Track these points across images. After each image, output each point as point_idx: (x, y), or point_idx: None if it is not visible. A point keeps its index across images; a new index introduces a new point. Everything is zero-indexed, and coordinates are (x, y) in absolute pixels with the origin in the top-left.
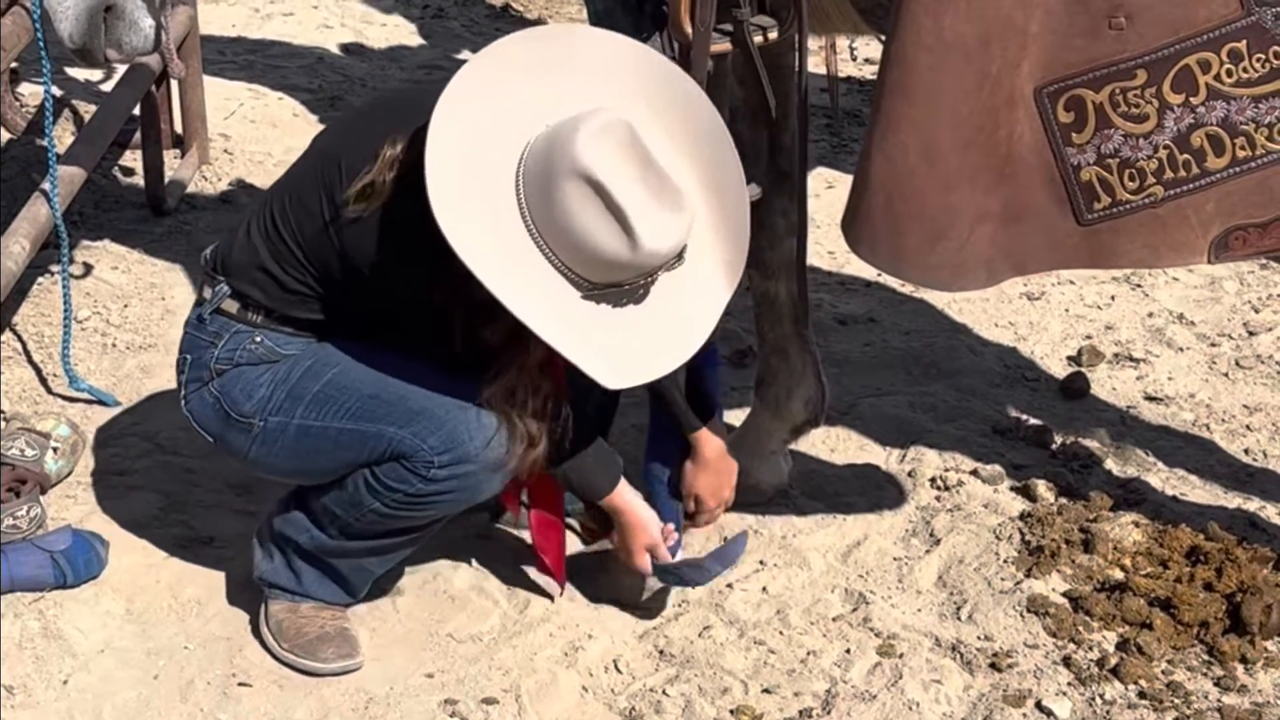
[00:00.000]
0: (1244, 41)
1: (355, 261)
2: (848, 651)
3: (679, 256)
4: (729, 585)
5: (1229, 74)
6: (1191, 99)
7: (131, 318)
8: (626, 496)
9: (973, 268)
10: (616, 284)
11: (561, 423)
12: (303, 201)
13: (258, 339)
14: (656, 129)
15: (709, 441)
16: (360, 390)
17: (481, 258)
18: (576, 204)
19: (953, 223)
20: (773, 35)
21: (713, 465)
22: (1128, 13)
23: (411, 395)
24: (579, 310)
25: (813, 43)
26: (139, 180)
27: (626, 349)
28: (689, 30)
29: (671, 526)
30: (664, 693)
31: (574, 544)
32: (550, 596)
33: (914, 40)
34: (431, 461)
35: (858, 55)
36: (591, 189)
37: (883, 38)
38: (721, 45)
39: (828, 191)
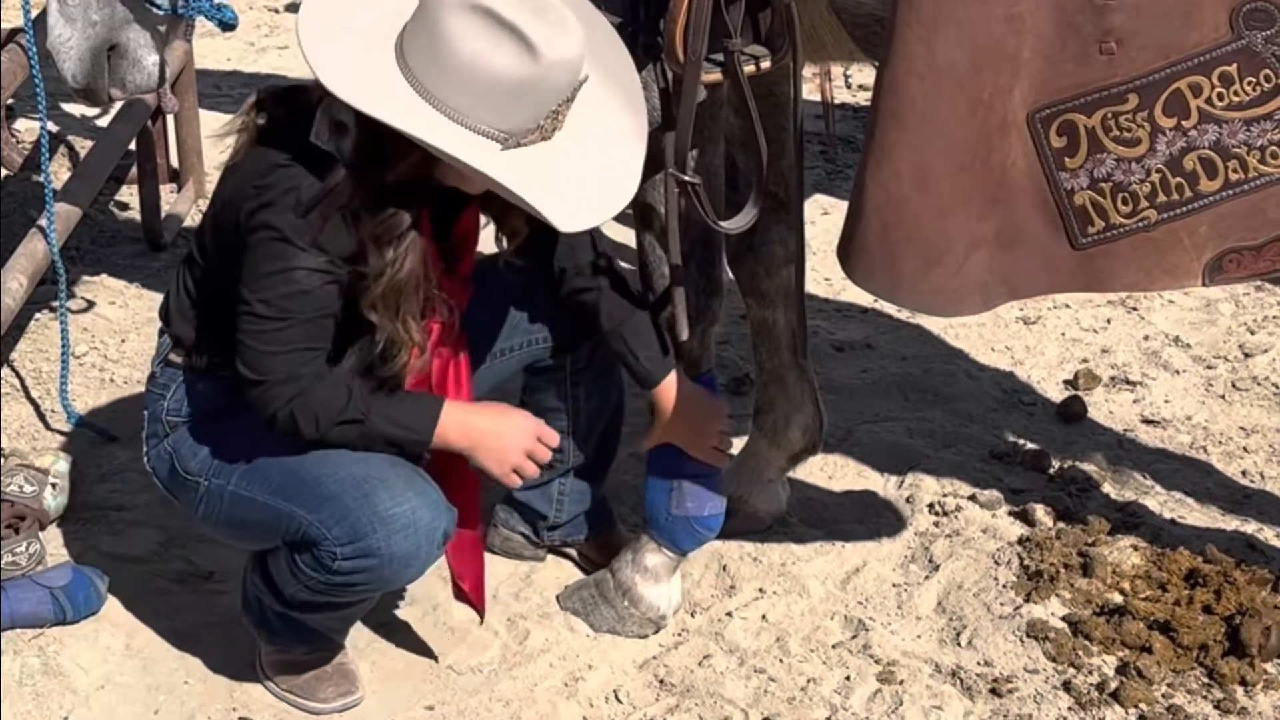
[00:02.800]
0: (1235, 65)
1: (240, 208)
2: (848, 679)
3: (582, 81)
4: (728, 614)
5: (1220, 97)
6: (1183, 122)
7: (129, 353)
8: (456, 413)
9: (968, 293)
10: (530, 128)
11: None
12: (202, 231)
13: (199, 387)
14: None
15: (668, 393)
16: (283, 464)
17: (385, 108)
18: (467, 34)
19: (948, 248)
20: (766, 64)
21: (684, 414)
22: (1118, 37)
23: (325, 477)
24: (503, 161)
25: (807, 70)
26: (136, 215)
27: (563, 192)
28: (682, 60)
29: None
30: None
31: (574, 573)
32: (479, 615)
33: (906, 67)
34: (334, 553)
35: (852, 82)
36: (478, 15)
37: (876, 64)
38: (713, 75)
39: (823, 218)
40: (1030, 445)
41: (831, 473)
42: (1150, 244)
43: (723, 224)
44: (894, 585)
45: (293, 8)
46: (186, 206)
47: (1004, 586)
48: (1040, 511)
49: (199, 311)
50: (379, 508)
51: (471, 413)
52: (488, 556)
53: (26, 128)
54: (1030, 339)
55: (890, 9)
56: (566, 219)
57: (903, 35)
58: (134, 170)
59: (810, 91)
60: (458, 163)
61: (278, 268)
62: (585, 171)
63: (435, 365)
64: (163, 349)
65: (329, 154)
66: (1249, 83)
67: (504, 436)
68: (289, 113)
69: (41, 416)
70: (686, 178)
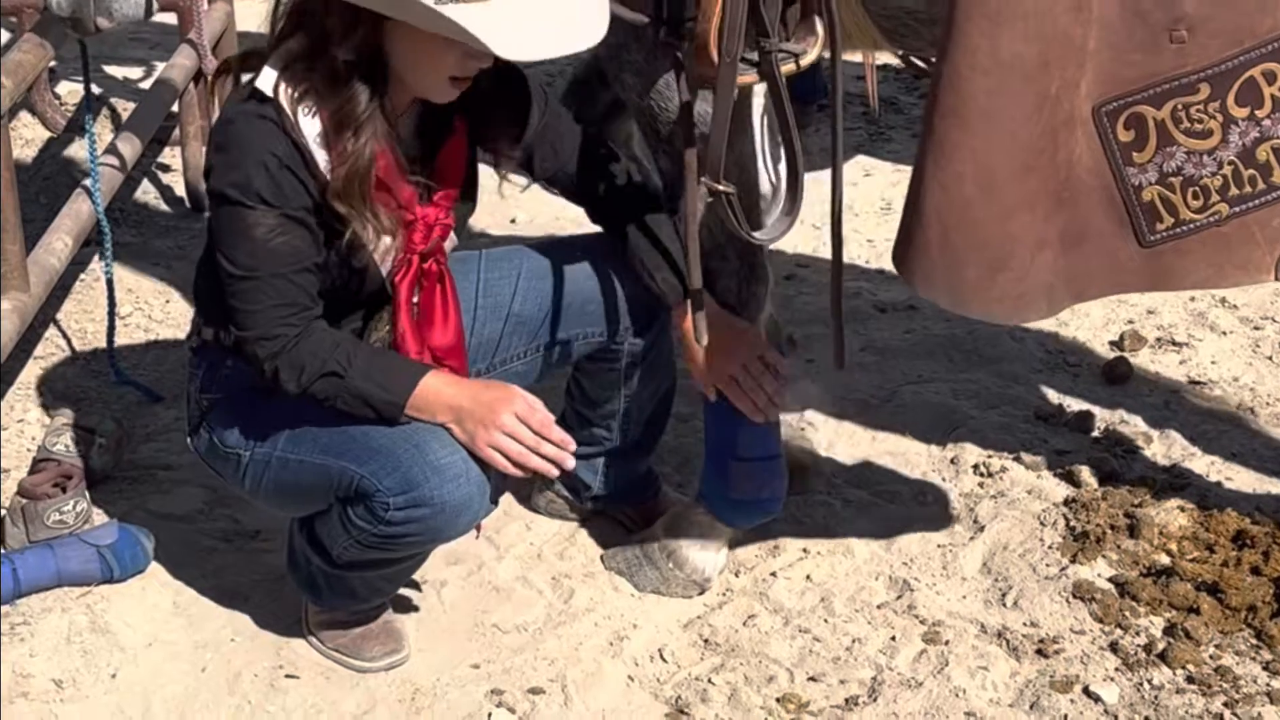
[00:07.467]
0: None
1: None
2: (893, 639)
3: None
4: (773, 574)
5: None
6: (1257, 112)
7: (174, 313)
8: (437, 382)
9: (1034, 297)
10: None
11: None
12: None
13: (228, 362)
14: None
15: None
16: (329, 422)
17: None
18: None
19: (1013, 252)
20: (805, 62)
21: (714, 344)
22: (1189, 25)
23: (374, 431)
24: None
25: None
26: (179, 176)
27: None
28: (716, 61)
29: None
30: (710, 681)
31: (618, 533)
32: None
33: (969, 63)
34: (387, 504)
35: None
36: None
37: (900, 54)
38: (748, 76)
39: (865, 180)
40: (1076, 406)
41: (875, 434)
42: (1221, 239)
43: (755, 235)
44: (939, 546)
45: None
46: None
47: (1050, 547)
48: (1086, 473)
49: (215, 288)
50: (431, 457)
51: (455, 384)
52: (532, 516)
53: (69, 90)
54: None
55: (947, 2)
56: (506, 48)
57: (964, 29)
58: (176, 132)
59: (850, 52)
60: (397, 10)
61: (234, 228)
62: (531, 14)
63: (421, 295)
64: (194, 328)
65: (269, 98)
66: None
67: (487, 413)
68: (244, 74)
69: (87, 376)
70: (721, 187)
